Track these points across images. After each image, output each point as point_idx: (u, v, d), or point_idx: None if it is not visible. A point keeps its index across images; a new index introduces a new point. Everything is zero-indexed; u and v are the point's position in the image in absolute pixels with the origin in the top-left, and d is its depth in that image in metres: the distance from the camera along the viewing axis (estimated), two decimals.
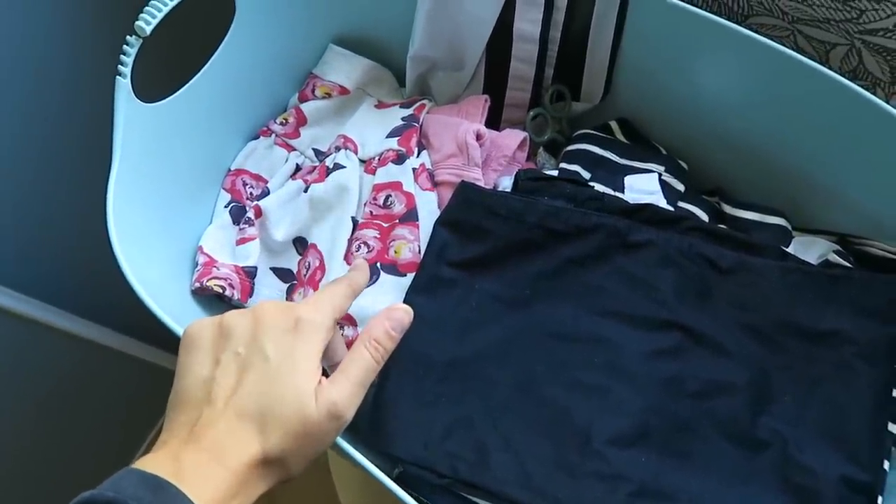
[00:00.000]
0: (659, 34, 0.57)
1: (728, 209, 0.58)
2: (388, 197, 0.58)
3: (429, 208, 0.57)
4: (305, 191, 0.60)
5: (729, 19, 0.53)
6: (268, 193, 0.61)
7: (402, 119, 0.62)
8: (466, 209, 0.55)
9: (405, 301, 0.54)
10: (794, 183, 0.58)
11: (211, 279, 0.56)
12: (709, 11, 0.54)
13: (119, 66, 0.52)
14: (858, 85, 0.50)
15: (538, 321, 0.53)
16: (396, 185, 0.58)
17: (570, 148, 0.61)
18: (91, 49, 0.75)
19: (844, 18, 0.57)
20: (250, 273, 0.58)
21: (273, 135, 0.64)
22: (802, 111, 0.54)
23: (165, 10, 0.53)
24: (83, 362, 0.97)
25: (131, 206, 0.52)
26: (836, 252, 0.55)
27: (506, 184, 0.59)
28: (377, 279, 0.55)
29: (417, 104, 0.63)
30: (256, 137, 0.65)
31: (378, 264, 0.56)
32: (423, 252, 0.56)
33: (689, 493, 0.49)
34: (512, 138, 0.60)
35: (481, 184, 0.58)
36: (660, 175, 0.59)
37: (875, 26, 0.56)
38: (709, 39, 0.54)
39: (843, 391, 0.50)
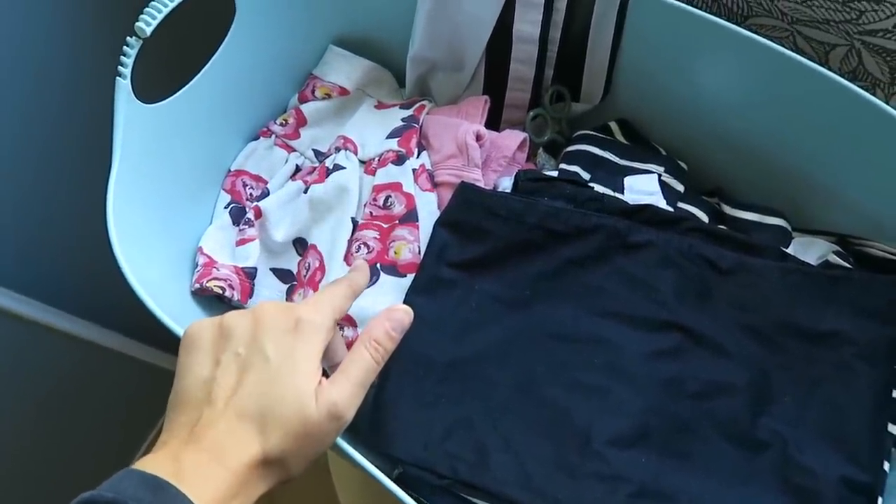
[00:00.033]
0: (658, 35, 0.57)
1: (728, 210, 0.58)
2: (387, 198, 0.58)
3: (429, 209, 0.57)
4: (305, 191, 0.60)
5: (728, 20, 0.53)
6: (268, 194, 0.61)
7: (402, 120, 0.62)
8: (466, 210, 0.55)
9: (405, 302, 0.54)
10: (793, 183, 0.58)
11: (211, 280, 0.56)
12: (708, 12, 0.54)
13: (119, 66, 0.52)
14: (858, 86, 0.50)
15: (538, 322, 0.53)
16: (396, 186, 0.58)
17: (569, 149, 0.61)
18: (91, 50, 0.75)
19: (844, 19, 0.57)
20: (250, 274, 0.58)
21: (273, 135, 0.64)
22: (802, 112, 0.54)
23: (166, 10, 0.53)
24: (83, 363, 0.97)
25: (131, 206, 0.52)
26: (836, 253, 0.55)
27: (506, 184, 0.59)
28: (377, 280, 0.55)
29: (417, 105, 0.63)
30: (256, 138, 0.65)
31: (378, 265, 0.56)
32: (422, 253, 0.56)
33: (689, 493, 0.49)
34: (512, 139, 0.60)
35: (481, 184, 0.58)
36: (659, 176, 0.59)
37: (874, 27, 0.56)
38: (708, 40, 0.54)
39: (842, 392, 0.50)
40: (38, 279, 0.84)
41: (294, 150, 0.64)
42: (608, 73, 0.61)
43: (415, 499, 0.43)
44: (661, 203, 0.57)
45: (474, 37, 0.60)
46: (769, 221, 0.57)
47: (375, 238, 0.57)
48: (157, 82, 0.56)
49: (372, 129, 0.62)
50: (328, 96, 0.65)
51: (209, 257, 0.58)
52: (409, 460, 0.50)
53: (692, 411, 0.51)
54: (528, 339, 0.53)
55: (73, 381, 0.98)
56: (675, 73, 0.58)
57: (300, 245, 0.60)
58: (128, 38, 0.52)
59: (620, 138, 0.63)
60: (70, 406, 0.99)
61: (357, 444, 0.45)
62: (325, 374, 0.42)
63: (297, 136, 0.64)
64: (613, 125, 0.63)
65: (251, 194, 0.62)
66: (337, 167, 0.60)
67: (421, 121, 0.61)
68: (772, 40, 0.52)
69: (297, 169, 0.64)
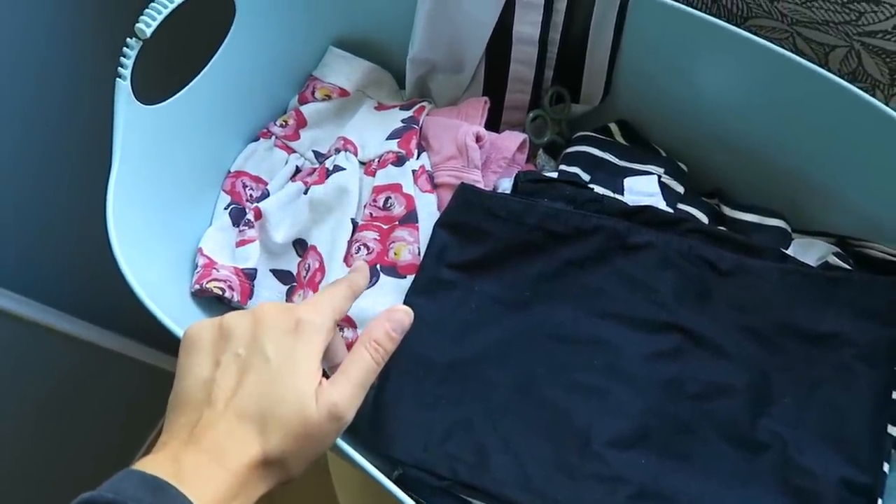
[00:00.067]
0: (658, 36, 0.57)
1: (727, 211, 0.58)
2: (387, 199, 0.58)
3: (428, 210, 0.58)
4: (305, 193, 0.60)
5: (728, 21, 0.53)
6: (267, 195, 0.61)
7: (402, 121, 0.62)
8: (466, 211, 0.55)
9: (405, 303, 0.54)
10: (793, 185, 0.58)
11: (210, 281, 0.56)
12: (708, 13, 0.54)
13: (119, 68, 0.52)
14: (857, 87, 0.50)
15: (538, 323, 0.53)
16: (396, 187, 0.58)
17: (569, 150, 0.61)
18: (91, 51, 0.75)
19: (843, 20, 0.57)
20: (250, 275, 0.58)
21: (273, 137, 0.64)
22: (802, 113, 0.54)
23: (165, 12, 0.53)
24: (83, 364, 0.97)
25: (131, 208, 0.52)
26: (836, 254, 0.55)
27: (505, 186, 0.59)
28: (377, 281, 0.55)
29: (417, 106, 0.63)
30: (256, 139, 0.65)
31: (378, 266, 0.56)
32: (422, 254, 0.56)
33: (688, 494, 0.49)
34: (511, 140, 0.60)
35: (481, 186, 0.58)
36: (659, 177, 0.59)
37: (874, 28, 0.56)
38: (708, 41, 0.54)
39: (842, 393, 0.50)
40: (38, 280, 0.85)
41: (294, 152, 0.64)
42: (608, 74, 0.61)
43: (415, 500, 0.43)
44: (661, 204, 0.57)
45: (474, 38, 0.60)
46: (769, 223, 0.57)
47: (375, 239, 0.57)
48: (156, 84, 0.56)
49: (372, 130, 0.62)
50: (328, 97, 0.65)
51: (209, 258, 0.58)
52: (408, 461, 0.50)
53: (692, 412, 0.51)
54: (527, 340, 0.53)
55: (73, 383, 0.98)
56: (675, 75, 0.58)
57: (300, 246, 0.60)
58: (128, 39, 0.52)
59: (620, 140, 0.63)
60: (70, 407, 0.99)
61: (357, 445, 0.46)
62: (325, 374, 0.42)
63: (296, 137, 0.64)
64: (613, 126, 0.63)
65: (251, 195, 0.63)
66: (337, 168, 0.60)
67: (421, 122, 0.61)
68: (771, 42, 0.52)
69: (297, 170, 0.64)
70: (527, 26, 0.60)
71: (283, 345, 0.40)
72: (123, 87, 0.52)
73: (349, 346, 0.51)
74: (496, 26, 0.60)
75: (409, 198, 0.58)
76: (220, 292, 0.56)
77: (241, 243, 0.59)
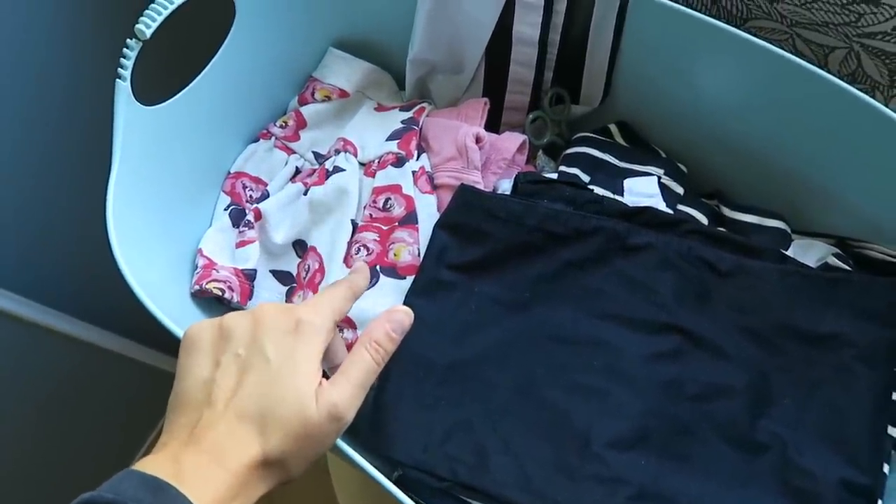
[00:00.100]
0: (658, 37, 0.57)
1: (727, 212, 0.58)
2: (387, 200, 0.58)
3: (428, 211, 0.58)
4: (305, 193, 0.60)
5: (728, 23, 0.53)
6: (267, 196, 0.61)
7: (402, 122, 0.62)
8: (466, 212, 0.55)
9: (405, 303, 0.54)
10: (793, 186, 0.58)
11: (210, 282, 0.56)
12: (708, 15, 0.54)
13: (119, 69, 0.52)
14: (857, 88, 0.50)
15: (537, 324, 0.53)
16: (396, 188, 0.58)
17: (569, 151, 0.61)
18: (91, 52, 0.75)
19: (843, 22, 0.57)
20: (250, 276, 0.58)
21: (273, 138, 0.64)
22: (801, 114, 0.54)
23: (165, 12, 0.53)
24: (83, 365, 0.97)
25: (131, 208, 0.52)
26: (836, 255, 0.55)
27: (505, 187, 0.59)
28: (377, 282, 0.55)
29: (417, 107, 0.63)
30: (256, 140, 0.65)
31: (377, 267, 0.56)
32: (422, 255, 0.56)
33: (688, 496, 0.49)
34: (511, 141, 0.60)
35: (481, 187, 0.58)
36: (659, 178, 0.59)
37: (874, 30, 0.56)
38: (708, 43, 0.54)
39: (842, 394, 0.50)
40: (38, 281, 0.85)
41: (294, 153, 0.64)
42: (608, 75, 0.61)
43: (414, 501, 0.43)
44: (661, 205, 0.57)
45: (474, 39, 0.60)
46: (768, 224, 0.57)
47: (375, 240, 0.57)
48: (156, 84, 0.56)
49: (372, 131, 0.62)
50: (328, 98, 0.65)
51: (209, 259, 0.58)
52: (408, 462, 0.50)
53: (691, 413, 0.51)
54: (527, 342, 0.53)
55: (73, 383, 0.98)
56: (675, 76, 0.58)
57: (300, 247, 0.60)
58: (128, 40, 0.52)
59: (620, 141, 0.63)
60: (70, 408, 0.99)
61: (357, 446, 0.46)
62: (326, 375, 0.42)
63: (296, 138, 0.64)
64: (613, 127, 0.63)
65: (251, 196, 0.63)
66: (337, 169, 0.60)
67: (421, 123, 0.62)
68: (771, 43, 0.52)
69: (297, 171, 0.64)
70: (527, 27, 0.60)
71: (283, 345, 0.40)
72: (123, 88, 0.52)
73: (349, 346, 0.51)
74: (496, 27, 0.60)
75: (408, 199, 0.58)
76: (220, 293, 0.56)
77: (240, 244, 0.59)
